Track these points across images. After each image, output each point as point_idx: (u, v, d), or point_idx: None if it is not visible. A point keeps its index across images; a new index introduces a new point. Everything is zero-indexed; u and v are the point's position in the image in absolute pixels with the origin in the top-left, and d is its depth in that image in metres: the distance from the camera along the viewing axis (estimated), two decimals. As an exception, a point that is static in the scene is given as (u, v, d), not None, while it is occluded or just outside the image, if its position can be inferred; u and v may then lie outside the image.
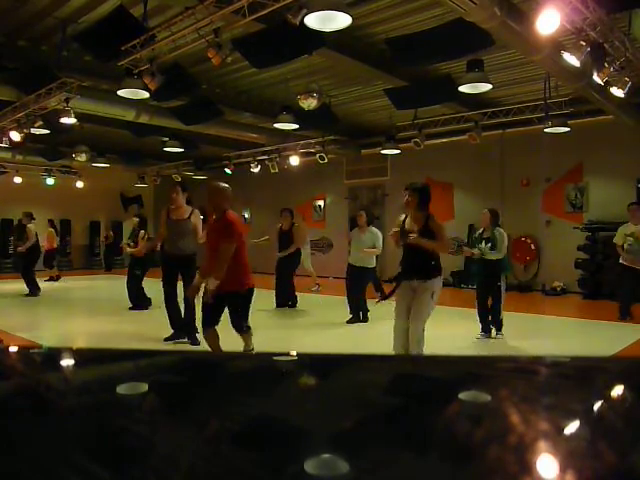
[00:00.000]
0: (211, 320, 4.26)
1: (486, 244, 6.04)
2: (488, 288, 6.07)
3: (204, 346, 4.79)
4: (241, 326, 4.31)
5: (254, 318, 4.58)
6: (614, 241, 7.52)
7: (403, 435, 0.49)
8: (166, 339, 5.72)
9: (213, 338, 4.29)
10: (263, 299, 8.85)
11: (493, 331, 6.08)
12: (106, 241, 16.94)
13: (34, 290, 9.97)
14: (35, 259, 10.37)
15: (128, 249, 8.14)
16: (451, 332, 6.42)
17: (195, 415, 0.57)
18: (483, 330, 6.09)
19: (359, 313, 7.16)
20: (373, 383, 0.73)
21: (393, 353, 4.34)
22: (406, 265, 4.52)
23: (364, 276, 7.15)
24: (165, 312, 5.84)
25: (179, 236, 5.57)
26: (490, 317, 6.07)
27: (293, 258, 8.57)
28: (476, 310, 6.17)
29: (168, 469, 0.43)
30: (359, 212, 7.42)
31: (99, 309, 8.78)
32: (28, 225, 10.04)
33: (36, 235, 10.12)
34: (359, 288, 7.18)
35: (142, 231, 8.17)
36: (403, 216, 4.62)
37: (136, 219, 8.39)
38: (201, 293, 4.39)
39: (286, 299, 8.55)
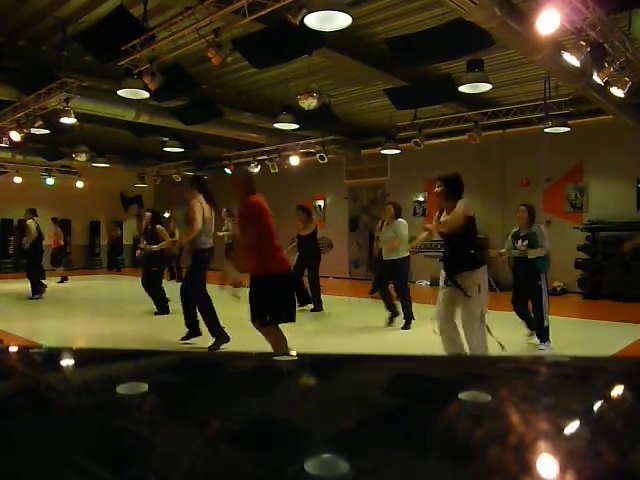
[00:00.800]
0: (255, 314, 3.93)
1: (522, 242, 5.54)
2: (526, 290, 5.51)
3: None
4: (255, 315, 3.91)
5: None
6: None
7: (403, 435, 0.49)
8: (183, 338, 5.57)
9: (262, 330, 3.96)
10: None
11: (534, 338, 5.54)
12: (111, 240, 16.94)
13: (37, 291, 9.86)
14: (37, 257, 10.30)
15: (147, 246, 7.42)
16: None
17: (195, 415, 0.57)
18: (530, 327, 5.59)
19: (395, 307, 6.73)
20: (373, 383, 0.73)
21: (393, 353, 4.29)
22: (446, 260, 4.25)
23: (397, 268, 6.65)
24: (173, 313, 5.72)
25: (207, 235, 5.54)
26: (536, 324, 5.46)
27: (313, 256, 8.22)
28: (515, 313, 5.65)
29: (168, 469, 0.43)
30: (386, 205, 7.04)
31: (101, 310, 8.78)
32: (28, 221, 9.97)
33: (38, 232, 10.03)
34: (398, 283, 6.72)
35: (159, 225, 7.61)
36: (438, 212, 4.41)
37: (148, 214, 7.85)
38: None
39: (308, 299, 8.29)
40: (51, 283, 11.06)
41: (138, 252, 7.98)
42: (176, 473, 0.42)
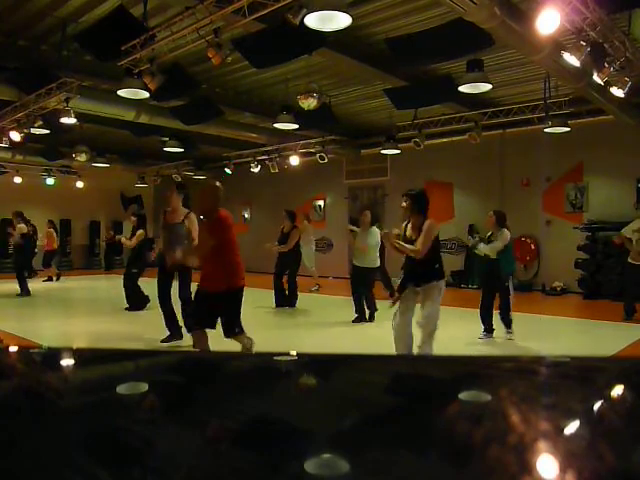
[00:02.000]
0: (202, 321, 4.16)
1: (487, 243, 6.00)
2: (492, 288, 5.99)
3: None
4: (232, 328, 4.16)
5: (254, 318, 4.52)
6: (622, 232, 7.47)
7: (403, 435, 0.49)
8: (162, 340, 5.73)
9: (200, 339, 4.16)
10: (263, 299, 8.89)
11: (500, 330, 5.98)
12: (107, 240, 16.90)
13: (26, 291, 9.97)
14: (25, 259, 10.37)
15: (123, 239, 8.09)
16: (452, 333, 6.39)
17: (195, 415, 0.57)
18: (485, 330, 6.05)
19: (364, 313, 7.16)
20: (373, 383, 0.73)
21: (393, 353, 4.33)
22: (408, 271, 4.56)
23: (368, 276, 7.15)
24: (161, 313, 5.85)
25: (174, 240, 5.48)
26: (500, 317, 5.94)
27: (293, 258, 8.56)
28: (479, 310, 6.12)
29: (168, 469, 0.43)
30: (364, 211, 7.31)
31: (97, 309, 8.78)
32: (19, 225, 10.09)
33: (25, 235, 10.13)
34: (364, 288, 7.17)
35: (141, 230, 7.99)
36: (405, 222, 4.66)
37: (134, 218, 8.27)
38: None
39: (287, 299, 8.54)
40: (38, 284, 11.11)
41: (120, 244, 8.43)
42: (176, 473, 0.42)
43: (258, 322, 7.14)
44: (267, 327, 6.99)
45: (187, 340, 5.53)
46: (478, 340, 5.99)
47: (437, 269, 4.45)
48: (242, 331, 4.22)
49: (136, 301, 7.99)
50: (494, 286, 5.96)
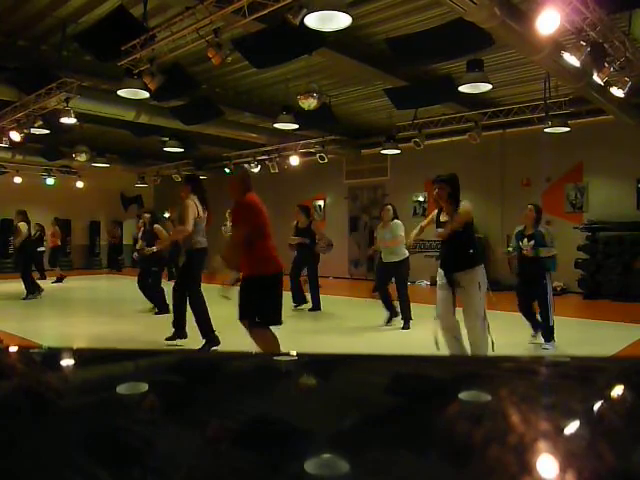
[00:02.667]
0: (243, 312, 3.88)
1: (529, 242, 5.45)
2: (532, 290, 5.48)
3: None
4: (243, 314, 3.86)
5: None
6: None
7: (403, 435, 0.49)
8: (167, 339, 5.59)
9: (260, 336, 3.86)
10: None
11: (539, 338, 5.50)
12: (113, 240, 16.91)
13: (32, 291, 9.89)
14: (31, 259, 10.32)
15: (146, 250, 7.40)
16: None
17: (195, 415, 0.57)
18: (534, 329, 5.60)
19: (394, 308, 6.74)
20: (373, 383, 0.73)
21: (394, 353, 4.29)
22: (444, 259, 4.30)
23: (398, 270, 6.66)
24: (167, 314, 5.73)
25: (196, 232, 5.42)
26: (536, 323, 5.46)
27: (313, 254, 8.14)
28: (520, 314, 5.63)
29: (168, 469, 0.43)
30: (386, 206, 6.92)
31: (97, 309, 8.78)
32: (19, 223, 9.97)
33: (29, 233, 10.07)
34: (399, 284, 6.68)
35: (157, 225, 7.61)
36: (436, 211, 4.43)
37: (147, 215, 7.88)
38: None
39: (303, 299, 8.22)
40: (47, 284, 11.06)
41: (135, 255, 7.95)
42: (176, 473, 0.42)
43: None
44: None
45: (190, 341, 5.53)
46: (529, 345, 5.56)
47: (473, 254, 4.17)
48: (263, 324, 3.87)
49: (163, 302, 7.51)
50: (533, 287, 5.47)
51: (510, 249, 5.74)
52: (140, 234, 8.01)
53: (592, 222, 10.18)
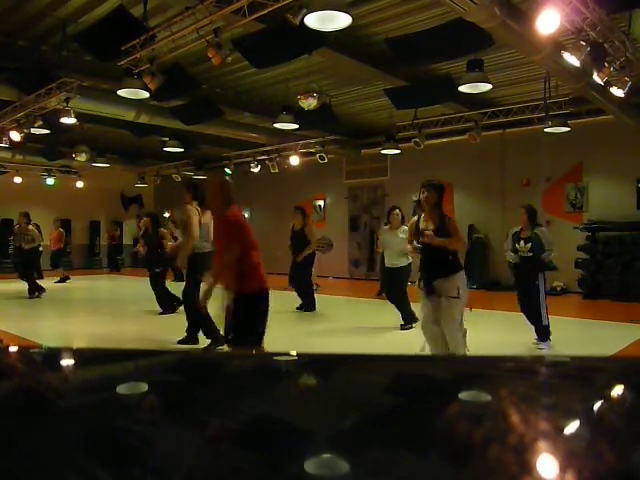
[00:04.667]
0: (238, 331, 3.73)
1: (525, 244, 5.51)
2: (525, 289, 5.57)
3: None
4: (237, 334, 3.70)
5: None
6: None
7: (403, 435, 0.49)
8: (180, 342, 5.60)
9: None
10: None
11: (534, 339, 5.53)
12: (112, 241, 16.92)
13: (36, 291, 9.89)
14: (36, 259, 10.30)
15: (139, 250, 7.57)
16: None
17: (195, 415, 0.57)
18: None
19: (411, 314, 6.58)
20: (373, 383, 0.73)
21: (394, 353, 4.31)
22: (425, 265, 4.36)
23: (400, 275, 6.58)
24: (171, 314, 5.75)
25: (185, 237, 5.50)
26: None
27: (307, 257, 8.04)
28: (523, 316, 5.65)
29: (168, 469, 0.43)
30: (394, 210, 6.68)
31: (97, 309, 8.78)
32: (29, 227, 9.97)
33: (37, 237, 10.07)
34: (399, 290, 6.63)
35: (163, 229, 7.69)
36: (416, 217, 4.49)
37: (147, 218, 7.93)
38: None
39: (305, 302, 8.14)
40: (49, 283, 11.05)
41: (135, 250, 8.01)
42: (176, 473, 0.42)
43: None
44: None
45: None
46: (532, 345, 5.56)
47: (453, 261, 4.23)
48: (250, 343, 3.71)
49: (168, 303, 7.60)
50: (526, 286, 5.56)
51: (510, 260, 5.70)
52: (141, 235, 8.08)
53: (592, 222, 10.19)
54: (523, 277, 5.58)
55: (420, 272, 4.40)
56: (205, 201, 5.38)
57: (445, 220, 4.28)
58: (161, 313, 7.61)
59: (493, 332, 6.22)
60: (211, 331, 5.24)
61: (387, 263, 6.66)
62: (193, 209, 5.44)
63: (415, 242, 4.34)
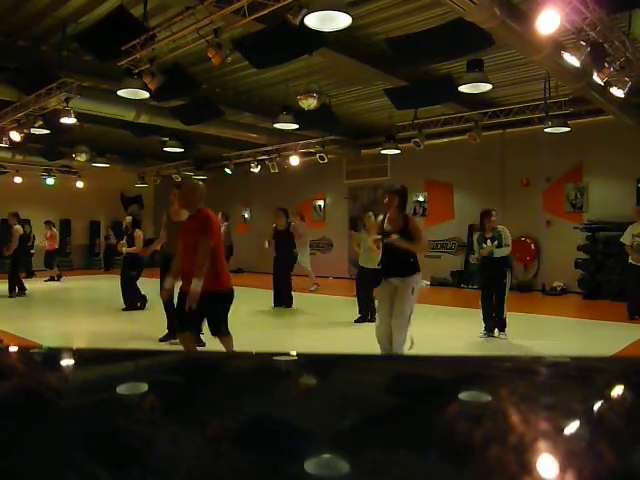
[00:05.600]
0: (189, 323, 4.05)
1: (492, 242, 5.97)
2: (493, 286, 6.03)
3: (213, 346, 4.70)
4: (220, 329, 4.08)
5: (253, 318, 4.41)
6: (622, 240, 7.55)
7: (403, 435, 0.49)
8: (161, 339, 5.74)
9: (188, 342, 4.09)
10: (260, 299, 8.87)
11: (496, 331, 6.05)
12: (107, 240, 16.91)
13: (20, 290, 9.92)
14: (21, 259, 10.32)
15: (124, 249, 7.81)
16: (452, 332, 6.42)
17: (195, 415, 0.57)
18: (486, 329, 6.08)
19: (368, 312, 7.11)
20: (373, 383, 0.73)
21: (394, 353, 4.35)
22: (386, 264, 4.72)
23: (375, 277, 7.00)
24: (163, 312, 5.82)
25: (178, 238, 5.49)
26: (494, 315, 6.03)
27: (289, 257, 8.53)
28: (480, 309, 6.15)
29: (168, 469, 0.43)
30: (367, 214, 7.24)
31: (96, 309, 8.77)
32: (15, 226, 9.97)
33: (24, 235, 10.08)
34: (369, 288, 6.98)
35: (138, 230, 7.92)
36: (381, 217, 4.83)
37: (129, 218, 8.18)
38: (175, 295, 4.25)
39: (283, 299, 8.52)
40: (40, 283, 11.06)
41: (117, 249, 8.28)
42: (176, 473, 0.42)
43: (257, 323, 7.15)
44: (267, 327, 6.98)
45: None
46: (477, 339, 6.04)
47: (413, 263, 4.58)
48: (228, 332, 4.15)
49: (133, 301, 7.99)
50: (495, 284, 6.03)
51: (476, 256, 6.25)
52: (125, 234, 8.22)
53: (592, 222, 10.18)
54: (491, 277, 6.05)
55: (381, 269, 4.78)
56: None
57: (408, 222, 4.62)
58: (124, 309, 7.92)
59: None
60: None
61: (362, 263, 7.15)
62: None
63: (380, 242, 4.68)
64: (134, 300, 8.00)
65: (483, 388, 0.69)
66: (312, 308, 8.67)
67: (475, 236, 6.35)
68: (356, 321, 7.14)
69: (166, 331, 5.78)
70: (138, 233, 7.88)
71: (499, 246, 5.92)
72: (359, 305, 7.25)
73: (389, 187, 4.83)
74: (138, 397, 0.67)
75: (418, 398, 0.64)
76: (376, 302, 4.81)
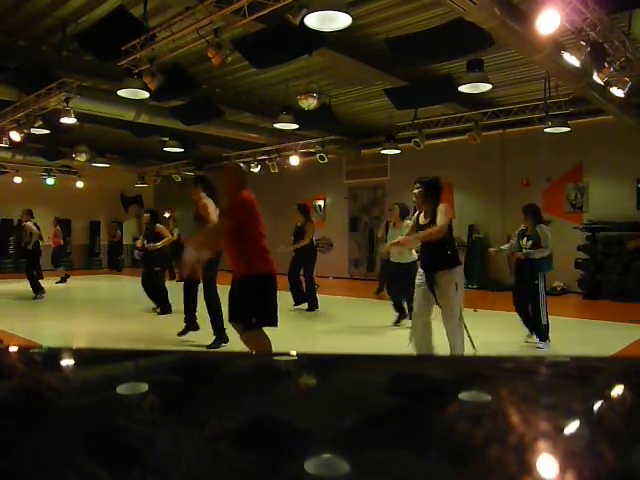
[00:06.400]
0: (236, 315, 3.80)
1: (527, 241, 5.57)
2: (524, 291, 5.56)
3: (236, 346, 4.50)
4: (235, 315, 3.77)
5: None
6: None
7: (403, 435, 0.49)
8: (179, 334, 5.72)
9: (252, 339, 3.77)
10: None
11: (534, 337, 5.57)
12: (113, 238, 16.94)
13: (38, 291, 9.84)
14: (37, 258, 10.25)
15: (150, 245, 7.38)
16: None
17: (195, 415, 0.57)
18: (529, 327, 5.64)
19: (404, 311, 6.73)
20: (373, 383, 0.73)
21: (394, 353, 4.30)
22: (423, 259, 4.39)
23: (406, 272, 6.45)
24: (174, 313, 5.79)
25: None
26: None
27: (310, 254, 8.15)
28: (517, 316, 5.68)
29: (168, 469, 0.43)
30: (393, 206, 7.01)
31: (97, 309, 8.77)
32: (27, 223, 9.92)
33: (35, 233, 10.02)
34: (404, 286, 6.50)
35: (159, 225, 7.63)
36: (417, 213, 4.55)
37: (147, 215, 7.88)
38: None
39: (304, 298, 8.15)
40: (49, 283, 11.02)
41: (136, 252, 8.00)
42: (176, 473, 0.42)
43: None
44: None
45: (200, 338, 5.54)
46: (524, 344, 5.65)
47: (451, 255, 4.22)
48: (258, 326, 3.72)
49: (165, 301, 7.55)
50: (527, 286, 5.57)
51: (504, 247, 5.86)
52: (142, 233, 8.06)
53: (592, 222, 10.18)
54: (525, 277, 5.55)
55: (420, 266, 4.43)
56: (216, 191, 5.43)
57: (435, 212, 4.27)
58: (159, 313, 7.58)
59: (493, 332, 6.22)
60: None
61: (393, 259, 6.63)
62: (208, 199, 5.35)
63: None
64: (165, 299, 7.55)
65: (483, 388, 0.69)
66: (323, 308, 8.35)
67: (517, 230, 5.87)
68: (395, 324, 6.76)
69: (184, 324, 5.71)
70: (160, 227, 7.67)
71: (535, 247, 5.48)
72: (394, 306, 6.85)
73: (419, 179, 4.45)
74: (138, 397, 0.67)
75: (418, 398, 0.64)
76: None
